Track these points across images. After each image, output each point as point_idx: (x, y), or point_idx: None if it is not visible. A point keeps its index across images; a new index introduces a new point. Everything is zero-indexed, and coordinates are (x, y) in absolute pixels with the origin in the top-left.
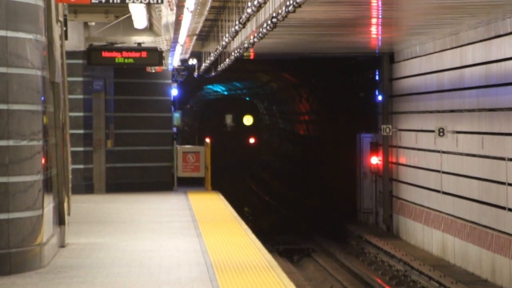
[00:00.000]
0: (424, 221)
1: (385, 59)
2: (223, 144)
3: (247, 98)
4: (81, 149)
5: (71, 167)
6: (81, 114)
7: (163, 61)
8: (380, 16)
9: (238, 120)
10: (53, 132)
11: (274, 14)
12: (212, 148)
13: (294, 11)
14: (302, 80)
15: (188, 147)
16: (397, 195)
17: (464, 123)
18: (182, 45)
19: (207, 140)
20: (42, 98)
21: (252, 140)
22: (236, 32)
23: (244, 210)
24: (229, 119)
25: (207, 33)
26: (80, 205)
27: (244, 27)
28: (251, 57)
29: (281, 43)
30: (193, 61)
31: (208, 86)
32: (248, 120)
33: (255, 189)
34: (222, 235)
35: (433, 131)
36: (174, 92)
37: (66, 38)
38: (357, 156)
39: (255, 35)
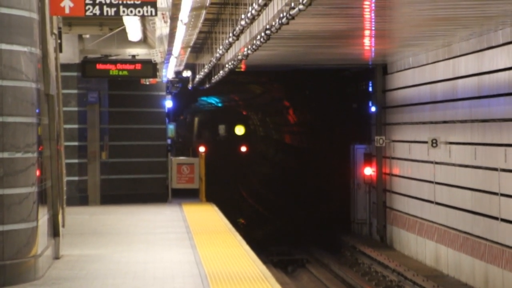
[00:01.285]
0: (418, 231)
1: (378, 71)
2: (216, 152)
3: (241, 110)
4: (76, 161)
5: (65, 179)
6: (75, 126)
7: (157, 73)
8: (373, 28)
9: (230, 130)
10: (47, 144)
11: (267, 26)
12: (206, 155)
13: (287, 23)
14: (295, 91)
15: (182, 158)
16: (390, 205)
17: (457, 134)
18: (176, 57)
19: (201, 148)
20: (37, 111)
21: (243, 149)
22: (230, 44)
23: (238, 221)
24: (222, 129)
25: (201, 45)
26: (75, 216)
27: (238, 39)
28: (242, 69)
29: (275, 55)
30: (187, 73)
31: (202, 98)
32: (239, 130)
33: (250, 202)
34: (217, 246)
35: (426, 142)
36: (169, 104)
37: (60, 51)
38: (350, 167)
39: (249, 47)
